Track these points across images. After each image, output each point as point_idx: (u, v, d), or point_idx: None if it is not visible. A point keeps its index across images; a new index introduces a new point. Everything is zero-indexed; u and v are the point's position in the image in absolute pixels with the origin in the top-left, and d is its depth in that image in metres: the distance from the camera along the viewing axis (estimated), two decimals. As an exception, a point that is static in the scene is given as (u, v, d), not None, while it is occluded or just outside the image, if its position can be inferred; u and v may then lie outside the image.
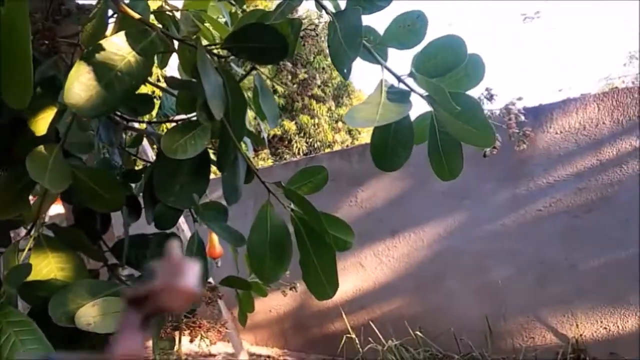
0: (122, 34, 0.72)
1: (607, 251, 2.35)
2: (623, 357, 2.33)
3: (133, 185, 1.15)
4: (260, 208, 0.91)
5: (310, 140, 9.80)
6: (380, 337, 2.90)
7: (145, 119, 1.28)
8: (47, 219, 1.04)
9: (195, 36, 1.13)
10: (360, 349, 2.94)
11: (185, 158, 0.79)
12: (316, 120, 9.75)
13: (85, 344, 0.82)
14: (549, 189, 2.47)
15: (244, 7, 1.26)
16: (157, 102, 1.18)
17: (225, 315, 2.92)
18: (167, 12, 1.17)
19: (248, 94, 1.16)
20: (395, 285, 3.02)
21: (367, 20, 0.84)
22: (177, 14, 1.17)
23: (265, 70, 1.13)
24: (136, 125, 1.23)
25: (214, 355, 3.33)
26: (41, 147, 0.78)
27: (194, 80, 0.85)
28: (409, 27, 0.86)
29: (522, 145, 0.91)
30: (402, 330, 2.87)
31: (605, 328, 2.39)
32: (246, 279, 1.22)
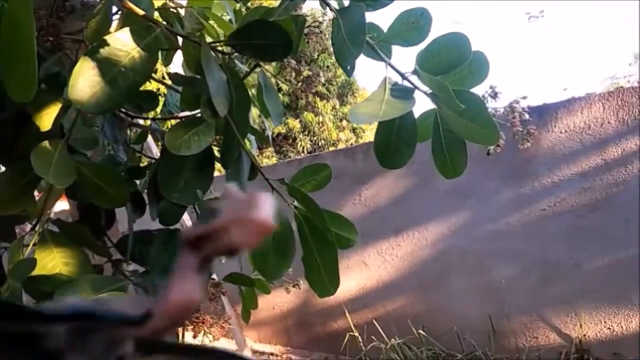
0: (126, 29, 0.72)
1: (611, 251, 2.34)
2: (626, 358, 2.33)
3: (138, 181, 1.15)
4: (264, 205, 0.91)
5: (315, 138, 9.80)
6: (384, 335, 2.91)
7: (150, 116, 1.28)
8: (52, 215, 1.05)
9: (199, 33, 1.13)
10: (364, 347, 2.95)
11: (189, 154, 0.79)
12: (320, 119, 9.75)
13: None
14: (554, 189, 2.47)
15: (249, 4, 1.26)
16: (161, 99, 1.18)
17: (228, 312, 2.93)
18: (172, 9, 1.17)
19: (252, 91, 1.16)
20: (398, 284, 3.02)
21: (370, 17, 0.84)
22: (182, 11, 1.17)
23: (269, 68, 1.13)
24: (141, 122, 1.24)
25: (217, 352, 3.34)
26: (46, 143, 0.78)
27: (198, 77, 0.85)
28: (413, 25, 0.86)
29: (526, 143, 0.91)
30: (405, 329, 2.87)
31: (609, 328, 2.38)
32: (250, 276, 1.22)
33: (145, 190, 1.04)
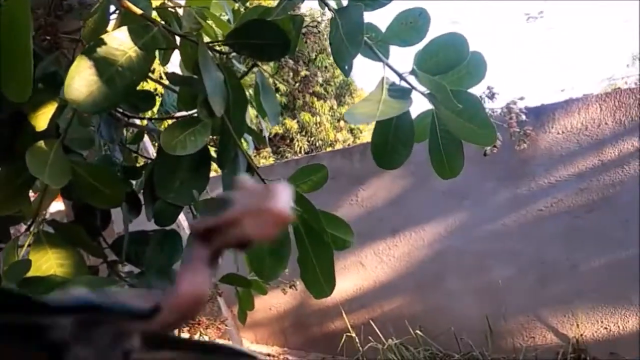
0: (123, 29, 0.72)
1: (608, 251, 2.34)
2: (623, 357, 2.33)
3: (134, 182, 1.15)
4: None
5: (312, 138, 9.79)
6: (381, 336, 2.90)
7: (147, 116, 1.27)
8: (47, 216, 1.04)
9: (196, 33, 1.13)
10: (361, 348, 2.94)
11: (185, 154, 0.79)
12: (318, 119, 9.75)
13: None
14: (550, 189, 2.47)
15: (247, 4, 1.25)
16: (158, 99, 1.18)
17: (224, 313, 2.92)
18: (170, 9, 1.16)
19: (249, 91, 1.16)
20: (395, 285, 3.02)
21: (369, 17, 0.84)
22: (180, 11, 1.17)
23: (267, 68, 1.13)
24: (137, 121, 1.23)
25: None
26: (41, 143, 0.77)
27: (195, 76, 0.84)
28: (411, 25, 0.86)
29: (522, 144, 0.91)
30: (402, 329, 2.87)
31: (605, 328, 2.39)
32: (246, 277, 1.22)
33: (142, 191, 1.04)
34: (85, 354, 0.23)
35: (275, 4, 0.87)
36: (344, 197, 3.17)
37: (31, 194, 1.00)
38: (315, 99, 9.67)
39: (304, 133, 9.80)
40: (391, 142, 0.92)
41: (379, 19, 0.90)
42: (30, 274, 0.83)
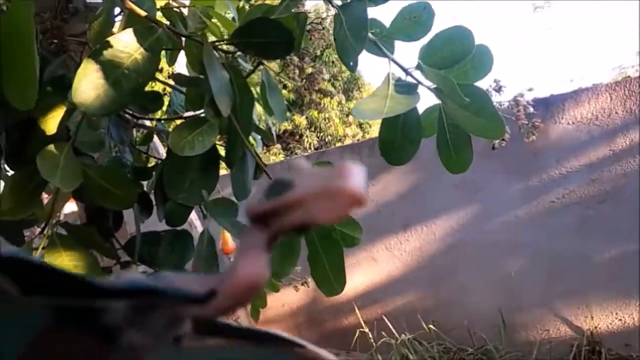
0: (129, 30, 0.72)
1: (620, 242, 2.32)
2: (639, 349, 2.31)
3: (145, 183, 1.16)
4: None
5: (321, 134, 9.80)
6: (394, 331, 2.90)
7: (157, 116, 1.28)
8: (62, 217, 1.05)
9: (201, 32, 1.13)
10: (374, 343, 2.95)
11: (194, 155, 0.80)
12: (326, 115, 9.74)
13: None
14: (562, 180, 2.45)
15: (251, 2, 1.26)
16: (166, 100, 1.18)
17: (237, 310, 2.93)
18: (174, 9, 1.17)
19: (256, 90, 1.16)
20: (407, 279, 3.02)
21: (372, 12, 0.84)
22: (185, 11, 1.17)
23: (273, 65, 1.13)
24: (146, 122, 1.24)
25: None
26: (52, 146, 0.78)
27: (201, 76, 0.85)
28: (415, 19, 0.85)
29: (531, 136, 0.90)
30: (415, 324, 2.87)
31: (620, 319, 2.37)
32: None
33: (153, 191, 1.04)
34: (139, 339, 0.23)
35: (278, 1, 0.87)
36: (354, 192, 3.16)
37: (44, 195, 1.01)
38: (322, 95, 9.66)
39: (313, 129, 9.80)
40: (399, 138, 0.91)
41: (383, 14, 0.90)
42: (44, 276, 0.84)
